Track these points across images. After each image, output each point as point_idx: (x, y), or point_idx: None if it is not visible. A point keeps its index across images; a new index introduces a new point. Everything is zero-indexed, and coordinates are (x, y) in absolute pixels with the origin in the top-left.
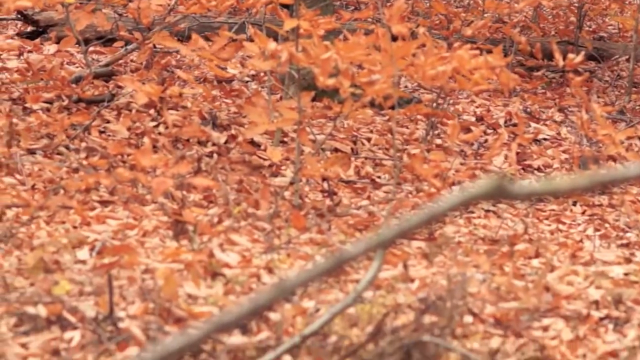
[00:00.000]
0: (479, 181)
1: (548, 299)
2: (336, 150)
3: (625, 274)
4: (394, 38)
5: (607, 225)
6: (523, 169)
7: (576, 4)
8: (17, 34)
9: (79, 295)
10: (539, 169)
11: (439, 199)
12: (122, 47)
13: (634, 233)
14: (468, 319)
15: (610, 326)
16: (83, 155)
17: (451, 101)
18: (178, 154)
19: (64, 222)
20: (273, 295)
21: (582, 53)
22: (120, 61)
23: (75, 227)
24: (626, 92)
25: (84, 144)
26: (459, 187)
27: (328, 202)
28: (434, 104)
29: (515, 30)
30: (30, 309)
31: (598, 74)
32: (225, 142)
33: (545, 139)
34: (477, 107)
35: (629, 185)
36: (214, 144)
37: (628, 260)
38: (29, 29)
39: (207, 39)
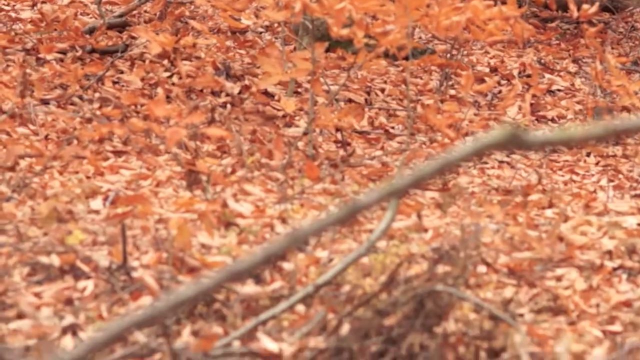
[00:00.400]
0: (492, 131)
1: (561, 249)
2: (350, 100)
3: (639, 224)
4: None
5: (620, 175)
6: (537, 119)
7: None
8: None
9: (92, 245)
10: (552, 120)
11: (453, 149)
12: None
13: None
14: (481, 268)
15: (624, 276)
16: (96, 105)
17: (465, 52)
18: (191, 104)
19: (77, 172)
20: (286, 244)
21: (597, 4)
22: (134, 12)
23: (88, 177)
24: None
25: (97, 94)
26: (472, 137)
27: (342, 152)
28: (448, 55)
29: None
30: (44, 259)
31: (612, 25)
32: (239, 93)
33: (559, 90)
34: (491, 58)
35: None
36: (227, 95)
37: None
38: None
39: None
